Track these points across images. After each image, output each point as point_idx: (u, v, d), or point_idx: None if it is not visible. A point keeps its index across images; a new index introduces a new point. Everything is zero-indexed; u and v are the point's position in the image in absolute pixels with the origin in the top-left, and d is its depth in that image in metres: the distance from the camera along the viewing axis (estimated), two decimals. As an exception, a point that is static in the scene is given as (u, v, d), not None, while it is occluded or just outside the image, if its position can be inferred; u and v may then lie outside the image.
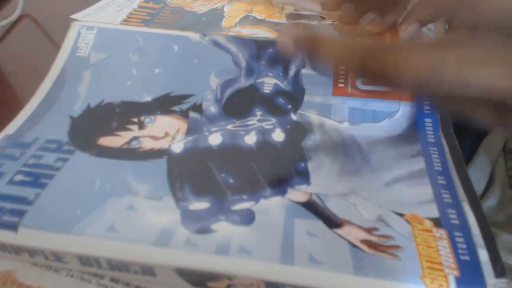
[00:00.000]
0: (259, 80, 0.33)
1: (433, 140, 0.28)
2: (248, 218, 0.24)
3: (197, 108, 0.31)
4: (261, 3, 0.44)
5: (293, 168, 0.27)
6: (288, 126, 0.30)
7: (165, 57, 0.34)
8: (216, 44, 0.34)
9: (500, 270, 0.21)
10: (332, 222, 0.24)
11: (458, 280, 0.20)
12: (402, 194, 0.25)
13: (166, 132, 0.30)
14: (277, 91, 0.32)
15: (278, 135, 0.29)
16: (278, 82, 0.32)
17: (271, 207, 0.25)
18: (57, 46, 0.36)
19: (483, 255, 0.21)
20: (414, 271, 0.21)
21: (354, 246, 0.22)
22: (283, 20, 0.42)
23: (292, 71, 0.33)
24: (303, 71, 0.33)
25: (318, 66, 0.33)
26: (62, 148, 0.28)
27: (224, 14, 0.43)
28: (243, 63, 0.33)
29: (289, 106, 0.31)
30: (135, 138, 0.29)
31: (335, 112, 0.31)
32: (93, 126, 0.30)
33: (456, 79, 0.14)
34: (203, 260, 0.22)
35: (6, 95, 0.39)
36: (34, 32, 0.47)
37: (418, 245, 0.22)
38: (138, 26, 0.40)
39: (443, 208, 0.24)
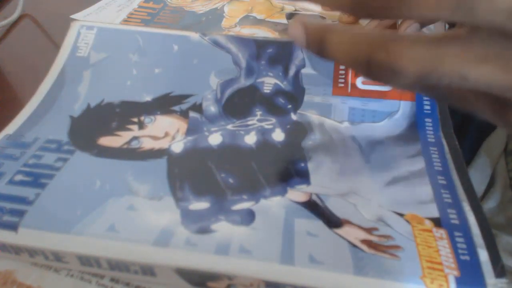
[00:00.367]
0: (259, 80, 0.33)
1: (433, 140, 0.28)
2: (248, 218, 0.24)
3: (197, 108, 0.31)
4: (261, 3, 0.44)
5: (293, 168, 0.27)
6: (288, 126, 0.30)
7: (165, 57, 0.34)
8: (216, 44, 0.34)
9: (500, 270, 0.21)
10: (332, 222, 0.24)
11: (458, 280, 0.20)
12: (402, 194, 0.25)
13: (166, 132, 0.30)
14: (277, 91, 0.32)
15: (278, 135, 0.29)
16: (278, 82, 0.32)
17: (271, 207, 0.25)
18: (57, 46, 0.36)
19: (483, 255, 0.21)
20: (414, 271, 0.21)
21: (354, 246, 0.22)
22: (283, 20, 0.42)
23: (292, 71, 0.33)
24: (303, 71, 0.33)
25: (320, 63, 0.33)
26: (62, 148, 0.28)
27: (224, 14, 0.43)
28: (243, 63, 0.33)
29: (289, 106, 0.31)
30: (135, 138, 0.29)
31: (335, 112, 0.31)
32: (93, 126, 0.30)
33: (456, 72, 0.14)
34: (203, 260, 0.22)
35: (6, 95, 0.39)
36: (34, 32, 0.47)
37: (418, 245, 0.22)
38: (138, 26, 0.40)
39: (443, 208, 0.24)
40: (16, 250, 0.23)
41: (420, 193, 0.25)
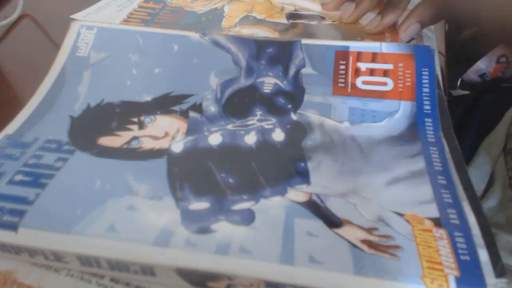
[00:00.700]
0: (259, 80, 0.33)
1: (433, 140, 0.28)
2: (248, 218, 0.24)
3: (197, 108, 0.31)
4: (261, 3, 0.44)
5: (293, 168, 0.27)
6: (288, 126, 0.30)
7: (165, 56, 0.34)
8: (216, 43, 0.34)
9: (500, 270, 0.21)
10: (332, 222, 0.24)
11: (458, 280, 0.20)
12: (402, 194, 0.25)
13: (166, 132, 0.30)
14: (277, 91, 0.32)
15: (278, 135, 0.29)
16: (278, 82, 0.32)
17: (271, 207, 0.25)
18: (57, 46, 0.36)
19: (483, 255, 0.21)
20: (414, 271, 0.21)
21: (354, 246, 0.22)
22: (283, 20, 0.42)
23: (292, 71, 0.33)
24: (303, 71, 0.33)
25: (320, 63, 0.33)
26: (62, 148, 0.28)
27: (224, 14, 0.43)
28: (243, 63, 0.33)
29: (289, 106, 0.31)
30: (135, 138, 0.29)
31: (335, 112, 0.31)
32: (93, 126, 0.30)
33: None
34: (203, 260, 0.22)
35: (6, 95, 0.39)
36: (34, 32, 0.47)
37: (418, 245, 0.22)
38: (138, 26, 0.40)
39: (443, 208, 0.24)
40: (16, 250, 0.23)
41: (420, 193, 0.25)
